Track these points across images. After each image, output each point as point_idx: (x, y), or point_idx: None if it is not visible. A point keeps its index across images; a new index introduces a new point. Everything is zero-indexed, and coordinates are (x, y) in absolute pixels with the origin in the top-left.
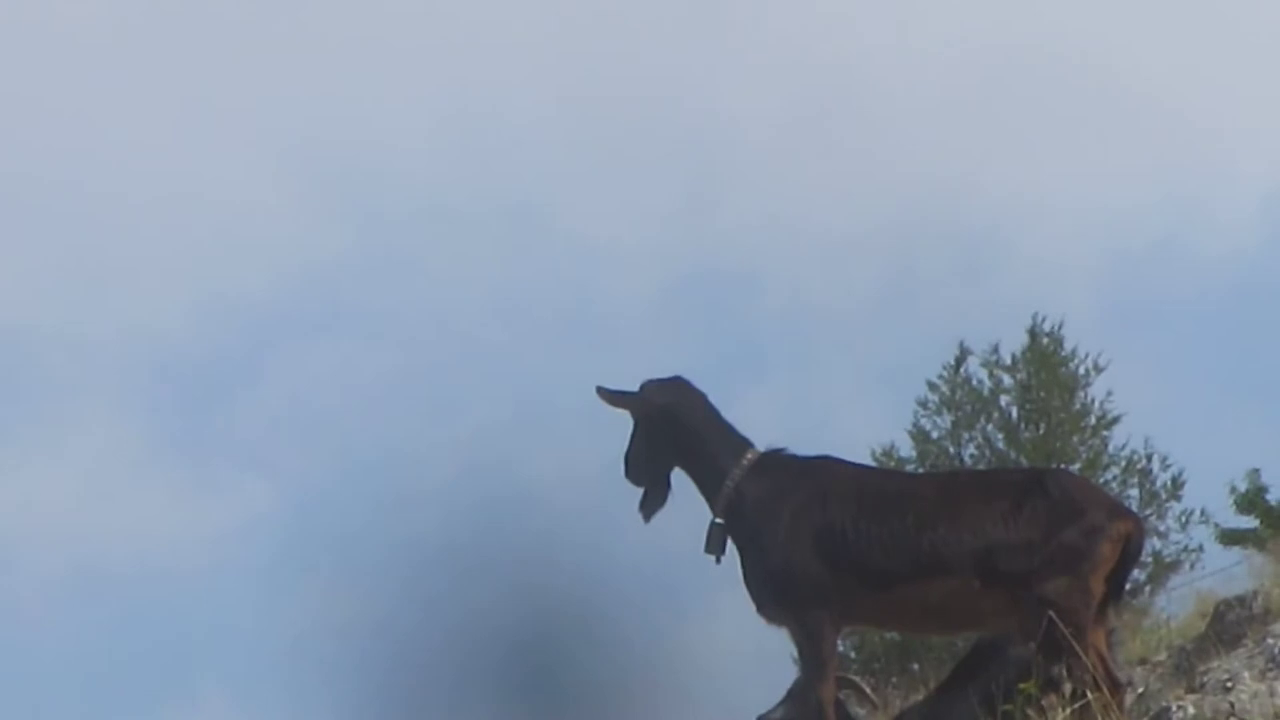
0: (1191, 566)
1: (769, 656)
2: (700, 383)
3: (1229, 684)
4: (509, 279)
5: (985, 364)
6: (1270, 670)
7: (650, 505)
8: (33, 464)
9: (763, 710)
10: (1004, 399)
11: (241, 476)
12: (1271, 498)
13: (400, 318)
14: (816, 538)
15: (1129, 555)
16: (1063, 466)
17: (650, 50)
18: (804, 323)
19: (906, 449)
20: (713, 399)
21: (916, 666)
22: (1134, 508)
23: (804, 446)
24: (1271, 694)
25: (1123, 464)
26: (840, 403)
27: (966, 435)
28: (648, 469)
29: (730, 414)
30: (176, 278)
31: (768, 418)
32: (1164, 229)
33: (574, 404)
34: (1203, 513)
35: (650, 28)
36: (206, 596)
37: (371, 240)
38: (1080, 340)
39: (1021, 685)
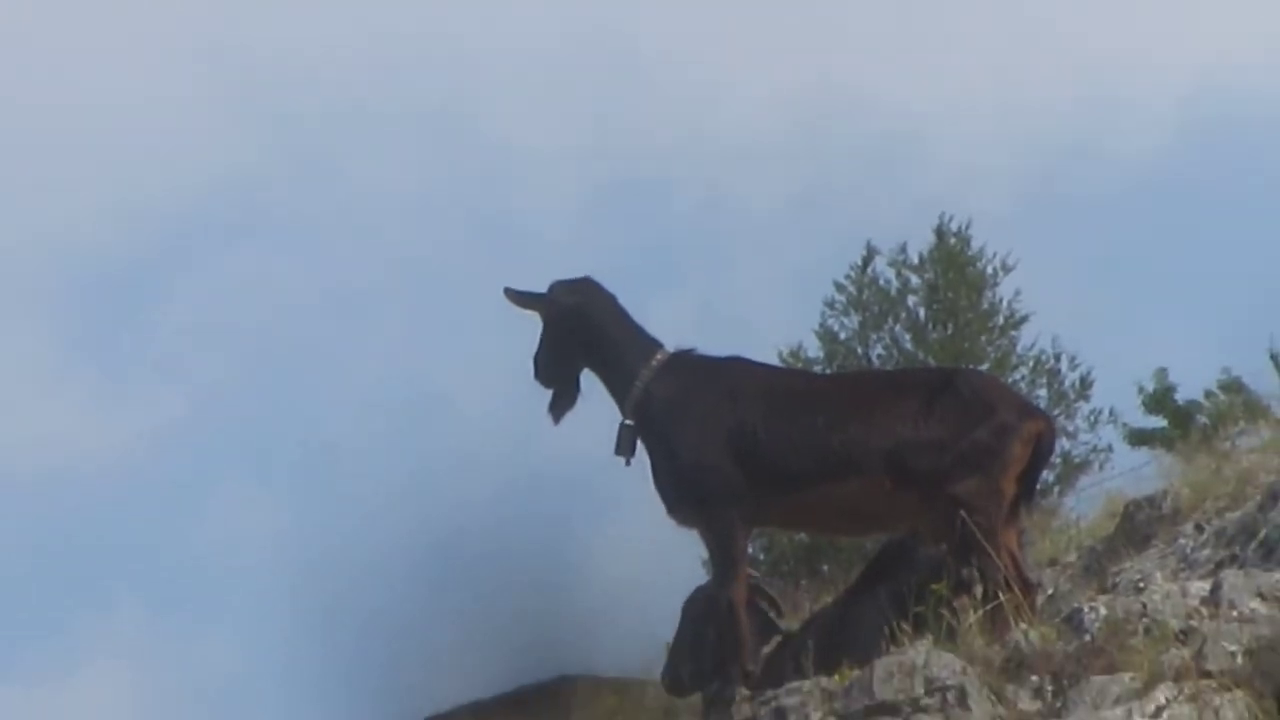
0: (1100, 467)
1: (679, 557)
2: (614, 287)
3: (1141, 584)
4: (427, 184)
5: (893, 264)
6: (1182, 570)
7: (560, 407)
8: None
9: (671, 614)
10: (911, 299)
11: (154, 384)
12: (1180, 397)
13: (317, 223)
14: (727, 438)
15: (1040, 455)
16: (972, 366)
17: None
18: (718, 227)
19: (814, 349)
20: (626, 303)
21: (826, 568)
22: (1043, 407)
23: (715, 348)
24: (1184, 594)
25: (1031, 364)
26: (751, 305)
27: (874, 336)
28: (556, 370)
29: (644, 318)
30: (88, 185)
31: (681, 321)
32: (1080, 129)
33: (488, 310)
34: (1111, 412)
35: None
36: (118, 504)
37: (288, 144)
38: (989, 240)
39: (933, 586)
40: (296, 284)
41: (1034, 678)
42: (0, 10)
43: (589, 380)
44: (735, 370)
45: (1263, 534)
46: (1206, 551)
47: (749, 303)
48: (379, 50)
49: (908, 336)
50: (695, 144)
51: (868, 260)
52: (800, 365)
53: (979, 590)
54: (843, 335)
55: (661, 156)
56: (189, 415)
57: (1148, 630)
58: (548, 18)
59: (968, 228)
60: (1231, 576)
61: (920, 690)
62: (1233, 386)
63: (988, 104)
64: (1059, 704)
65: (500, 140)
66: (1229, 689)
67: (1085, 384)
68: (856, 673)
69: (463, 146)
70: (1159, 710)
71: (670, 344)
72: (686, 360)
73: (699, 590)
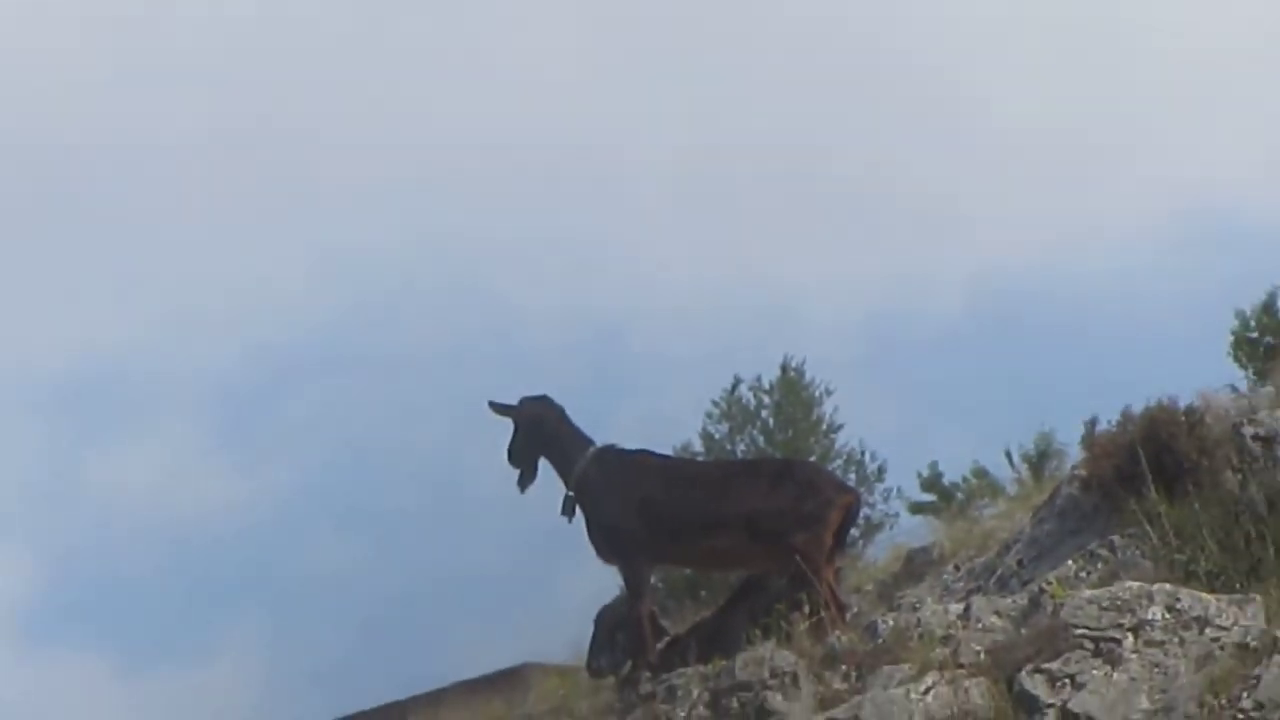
0: (890, 527)
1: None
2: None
3: (916, 605)
4: None
5: (752, 389)
6: (944, 596)
7: (524, 482)
8: None
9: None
10: (764, 412)
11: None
12: (945, 480)
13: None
14: (637, 506)
15: (849, 518)
16: (802, 459)
17: None
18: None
19: (698, 445)
20: (571, 411)
21: (704, 593)
22: (851, 486)
23: (629, 443)
24: (946, 612)
25: (844, 457)
26: (659, 416)
27: (739, 437)
28: (522, 458)
29: (591, 420)
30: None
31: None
32: (890, 296)
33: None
34: (899, 490)
35: None
36: (247, 542)
37: None
38: (818, 374)
39: (777, 606)
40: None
41: (844, 667)
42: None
43: (544, 466)
44: (641, 460)
45: (999, 572)
46: (961, 584)
47: (657, 415)
48: None
49: (761, 438)
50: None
51: (734, 387)
52: (688, 456)
53: (807, 609)
54: (717, 436)
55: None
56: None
57: (921, 636)
58: None
59: (803, 364)
60: (978, 600)
61: (767, 674)
62: (980, 473)
63: (830, 273)
64: (860, 685)
65: None
66: (975, 676)
67: (881, 471)
68: (724, 663)
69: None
70: (927, 690)
71: (600, 441)
72: (610, 453)
73: (606, 607)
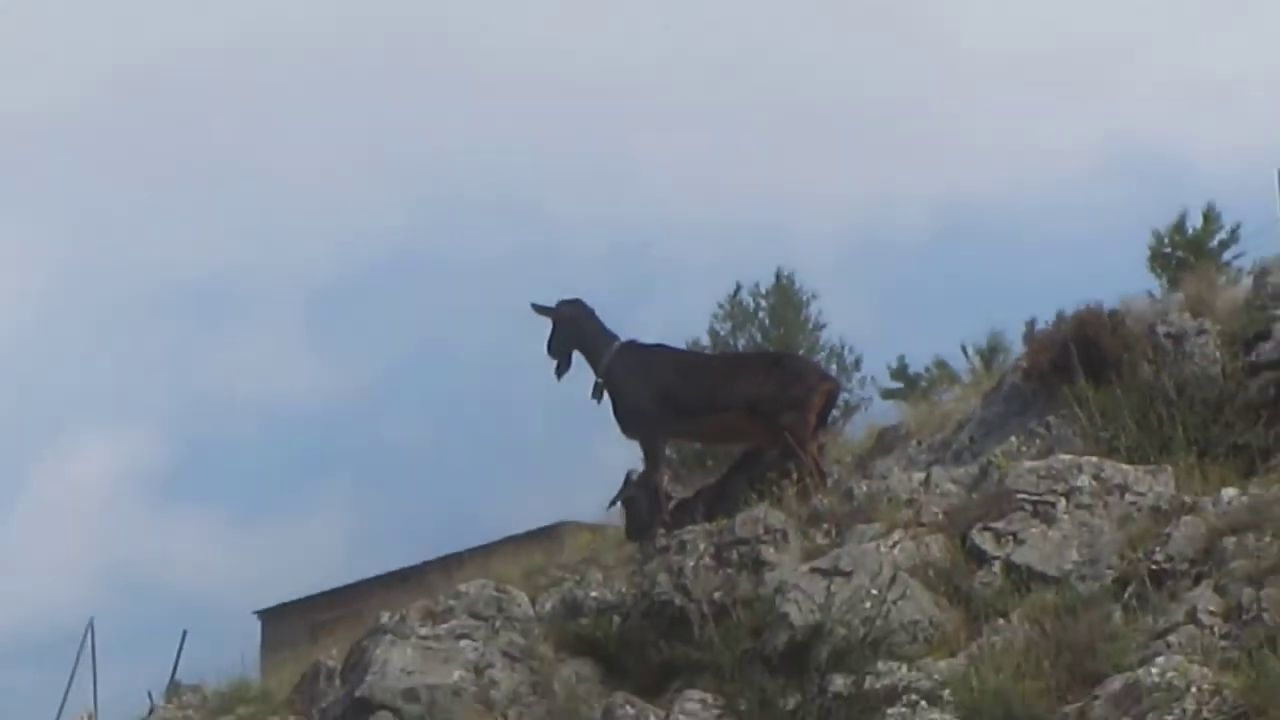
0: (865, 409)
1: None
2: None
3: (885, 474)
4: None
5: (751, 294)
6: (909, 466)
7: (560, 371)
8: None
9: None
10: (761, 314)
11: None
12: (911, 371)
13: None
14: (655, 391)
15: (830, 402)
16: (792, 352)
17: None
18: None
19: (706, 341)
20: (601, 314)
21: (710, 463)
22: (833, 374)
23: (655, 338)
24: (910, 480)
25: (827, 350)
26: (676, 315)
27: (740, 334)
28: (558, 351)
29: (616, 320)
30: None
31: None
32: (869, 213)
33: None
34: (872, 379)
35: None
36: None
37: None
38: (806, 281)
39: (770, 474)
40: None
41: (825, 525)
42: None
43: (578, 358)
44: (657, 352)
45: (954, 447)
46: (924, 457)
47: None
48: None
49: (759, 335)
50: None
51: (736, 292)
52: (697, 349)
53: (795, 477)
54: (721, 334)
55: None
56: None
57: (889, 500)
58: None
59: (792, 274)
60: (937, 470)
61: (762, 531)
62: (940, 364)
63: (829, 194)
64: (839, 540)
65: None
66: (934, 533)
67: (858, 362)
68: (726, 521)
69: None
70: (895, 544)
71: (624, 337)
72: (631, 346)
73: (630, 476)
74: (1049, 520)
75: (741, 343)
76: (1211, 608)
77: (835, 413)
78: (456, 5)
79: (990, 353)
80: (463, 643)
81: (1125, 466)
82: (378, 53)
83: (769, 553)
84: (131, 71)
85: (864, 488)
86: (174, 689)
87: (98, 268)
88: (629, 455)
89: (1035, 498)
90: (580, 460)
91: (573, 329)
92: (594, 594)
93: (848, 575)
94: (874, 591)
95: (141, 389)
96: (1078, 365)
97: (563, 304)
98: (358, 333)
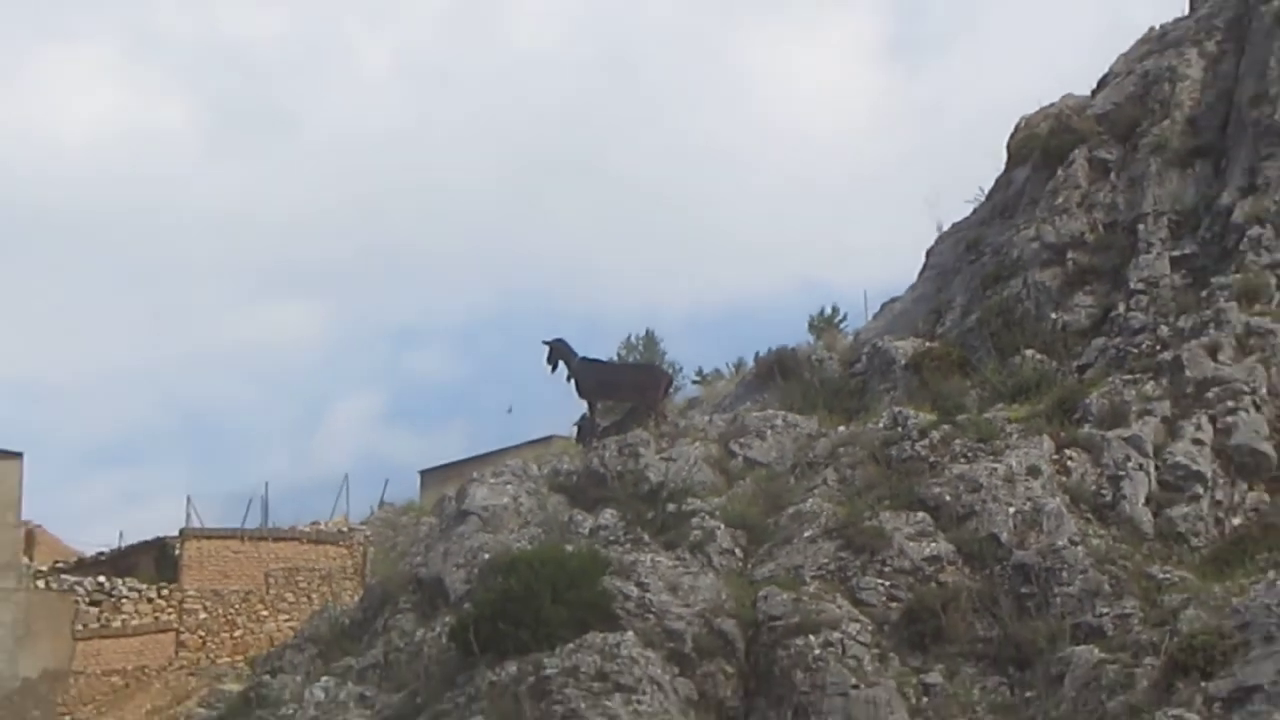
0: (682, 389)
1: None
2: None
3: (691, 419)
4: None
5: (637, 338)
6: (703, 415)
7: (552, 367)
8: None
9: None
10: (640, 346)
11: None
12: (705, 373)
13: None
14: (592, 381)
15: (669, 386)
16: (652, 363)
17: None
18: None
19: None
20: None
21: (614, 411)
22: (670, 373)
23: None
24: (703, 421)
25: (668, 364)
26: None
27: (632, 354)
28: (552, 360)
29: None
30: None
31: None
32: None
33: None
34: (688, 377)
35: None
36: None
37: None
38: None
39: (643, 417)
40: None
41: (665, 439)
42: None
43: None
44: (596, 363)
45: (722, 407)
46: (710, 413)
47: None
48: None
49: (638, 356)
50: None
51: (628, 336)
52: (613, 361)
53: (654, 419)
54: (623, 354)
55: None
56: None
57: (693, 429)
58: None
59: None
60: (715, 417)
61: (638, 440)
62: (717, 372)
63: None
64: (671, 445)
65: None
66: (712, 443)
67: (680, 369)
68: (623, 435)
69: None
70: (696, 447)
71: (582, 353)
72: (584, 359)
73: (583, 417)
74: (762, 436)
75: (632, 359)
76: None
77: (672, 391)
78: None
79: (739, 366)
80: (508, 485)
81: (795, 415)
82: None
83: (641, 449)
84: None
85: (680, 424)
86: (381, 504)
87: None
88: (580, 406)
89: (757, 426)
90: (563, 405)
91: (559, 350)
92: (565, 466)
93: (674, 461)
94: (686, 467)
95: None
96: (778, 372)
97: (556, 340)
98: None
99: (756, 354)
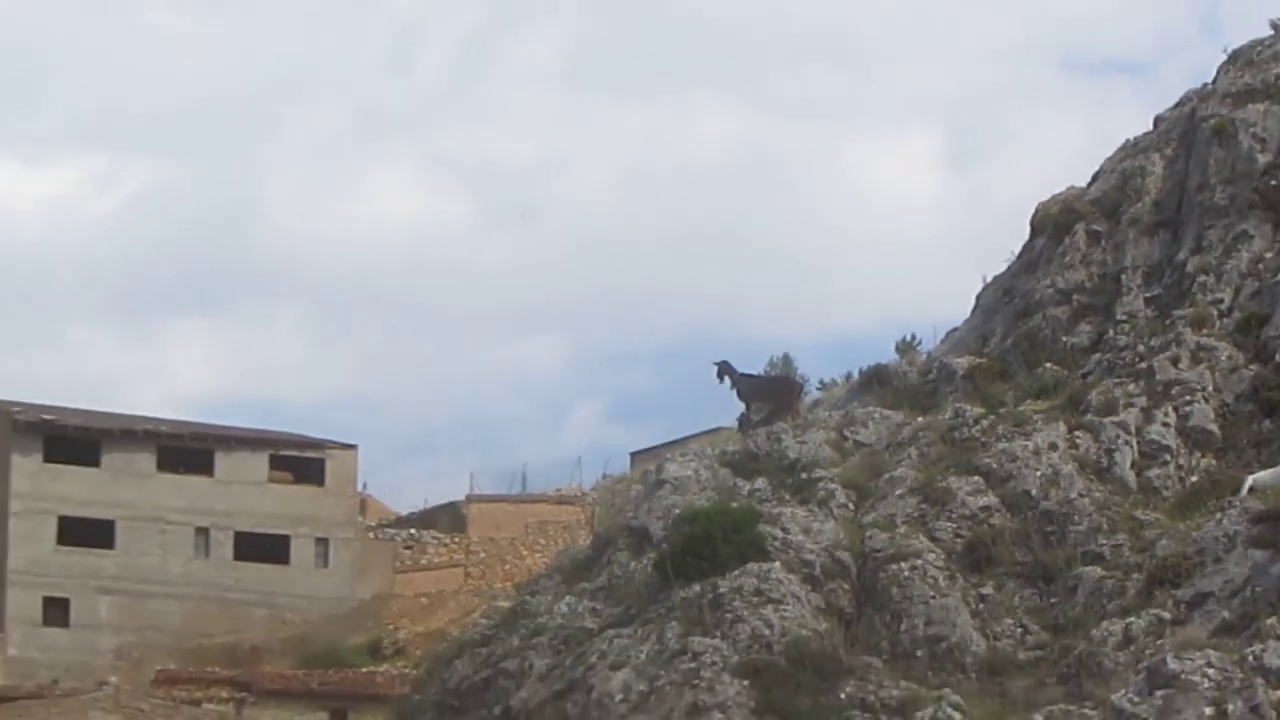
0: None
1: None
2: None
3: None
4: None
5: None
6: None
7: (720, 381)
8: None
9: None
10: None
11: None
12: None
13: None
14: (749, 389)
15: (800, 393)
16: (786, 377)
17: None
18: None
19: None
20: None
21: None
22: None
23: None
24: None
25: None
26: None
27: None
28: (719, 375)
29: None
30: None
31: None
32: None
33: None
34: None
35: None
36: None
37: None
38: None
39: (783, 411)
40: None
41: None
42: None
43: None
44: (750, 377)
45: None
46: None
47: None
48: None
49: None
50: None
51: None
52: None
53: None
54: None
55: None
56: None
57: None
58: None
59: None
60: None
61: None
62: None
63: None
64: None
65: None
66: None
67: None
68: (768, 428)
69: None
70: None
71: (741, 370)
72: (744, 375)
73: (742, 414)
74: (866, 425)
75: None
76: None
77: (803, 395)
78: None
79: (849, 377)
80: (691, 462)
81: (888, 411)
82: None
83: (783, 436)
84: None
85: (809, 417)
86: (604, 476)
87: None
88: (740, 407)
89: (862, 418)
90: (728, 406)
91: (725, 368)
92: (731, 448)
93: (805, 443)
94: (813, 447)
95: None
96: (876, 381)
97: (723, 361)
98: None
99: (861, 369)
